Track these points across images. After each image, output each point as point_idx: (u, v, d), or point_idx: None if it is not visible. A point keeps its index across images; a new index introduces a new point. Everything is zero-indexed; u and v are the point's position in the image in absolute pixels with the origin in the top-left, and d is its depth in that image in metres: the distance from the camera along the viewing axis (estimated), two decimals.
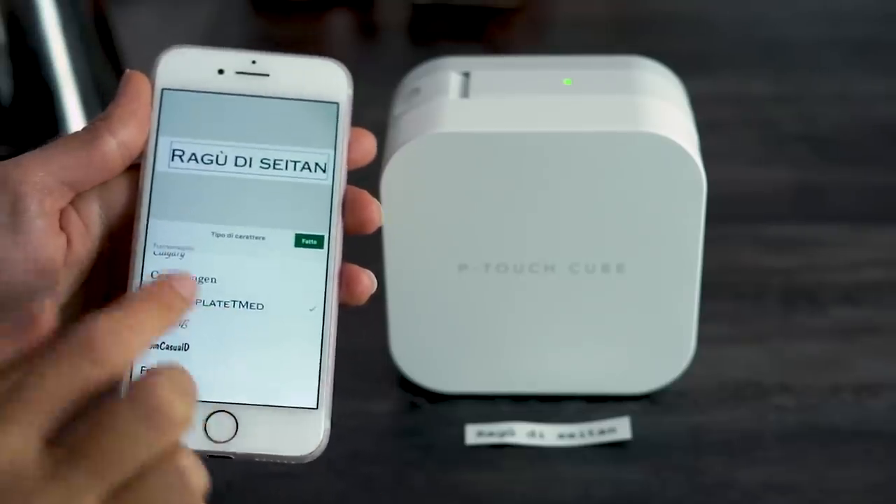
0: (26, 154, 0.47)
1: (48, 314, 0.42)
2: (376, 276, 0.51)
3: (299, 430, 0.47)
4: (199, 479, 0.39)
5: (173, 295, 0.43)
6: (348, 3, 1.05)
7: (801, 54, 0.97)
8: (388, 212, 0.59)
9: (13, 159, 0.47)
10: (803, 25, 1.02)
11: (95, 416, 0.38)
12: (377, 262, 0.60)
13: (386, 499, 0.60)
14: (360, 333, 0.58)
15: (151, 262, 0.48)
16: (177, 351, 0.47)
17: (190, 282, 0.43)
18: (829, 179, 0.82)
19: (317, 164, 0.50)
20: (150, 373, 0.39)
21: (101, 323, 0.40)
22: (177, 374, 0.39)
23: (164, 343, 0.47)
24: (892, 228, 0.77)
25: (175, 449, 0.39)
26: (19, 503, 0.37)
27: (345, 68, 0.52)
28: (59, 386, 0.38)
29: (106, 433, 0.38)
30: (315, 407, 0.47)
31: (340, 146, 0.51)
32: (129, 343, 0.40)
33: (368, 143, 0.53)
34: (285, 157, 0.50)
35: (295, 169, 0.50)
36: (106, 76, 0.81)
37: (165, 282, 0.43)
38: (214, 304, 0.48)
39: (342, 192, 0.50)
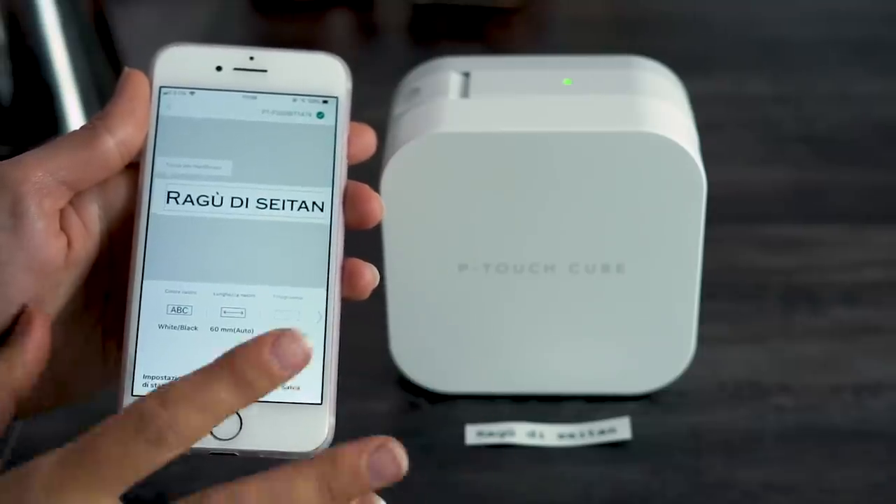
0: (24, 154, 0.47)
1: (45, 318, 0.42)
2: None
3: (304, 427, 0.47)
4: None
5: (258, 371, 0.40)
6: (348, 3, 1.05)
7: (800, 54, 0.97)
8: (388, 212, 0.59)
9: (11, 160, 0.47)
10: (803, 25, 1.02)
11: None
12: (377, 262, 0.60)
13: (386, 499, 0.59)
14: (360, 333, 0.58)
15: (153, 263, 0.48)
16: None
17: (293, 346, 0.41)
18: (829, 179, 0.82)
19: (317, 158, 0.50)
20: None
21: (160, 400, 0.39)
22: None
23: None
24: (891, 228, 0.77)
25: None
26: None
27: (343, 62, 0.52)
28: (125, 461, 0.39)
29: None
30: (319, 403, 0.47)
31: (340, 140, 0.51)
32: (192, 425, 0.39)
33: (368, 137, 0.53)
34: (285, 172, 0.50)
35: (295, 170, 0.50)
36: (106, 76, 0.81)
37: (253, 350, 0.40)
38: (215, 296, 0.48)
39: (343, 187, 0.50)
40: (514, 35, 1.02)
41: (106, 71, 0.82)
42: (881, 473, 0.60)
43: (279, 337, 0.40)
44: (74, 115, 0.79)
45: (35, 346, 0.45)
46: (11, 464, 0.42)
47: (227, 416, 0.40)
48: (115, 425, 0.39)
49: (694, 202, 0.59)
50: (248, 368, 0.40)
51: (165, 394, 0.39)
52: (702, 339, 0.64)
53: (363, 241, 0.53)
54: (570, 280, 0.61)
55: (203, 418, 0.39)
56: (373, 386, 0.65)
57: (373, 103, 0.63)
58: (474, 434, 0.62)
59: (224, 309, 0.48)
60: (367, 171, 0.54)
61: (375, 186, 0.57)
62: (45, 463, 0.39)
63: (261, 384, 0.40)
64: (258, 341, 0.40)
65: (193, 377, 0.40)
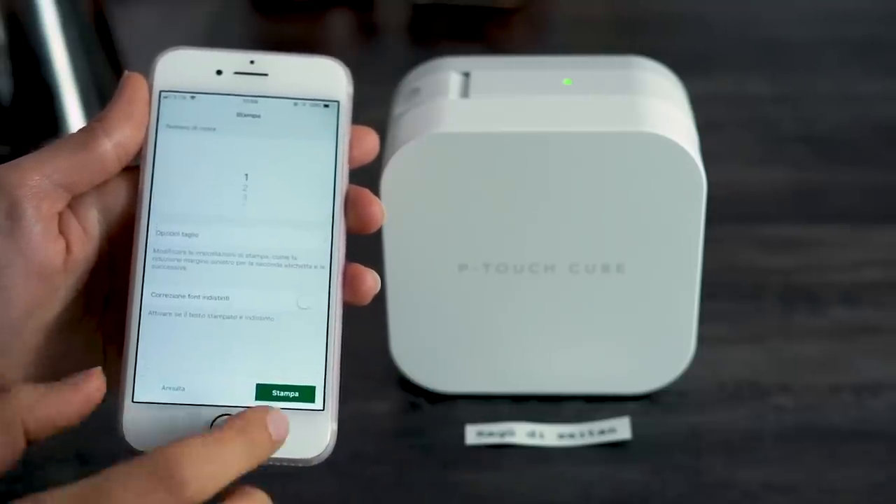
0: (21, 158, 0.47)
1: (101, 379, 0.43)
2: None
3: (306, 433, 0.46)
4: None
5: (262, 432, 0.44)
6: (348, 3, 1.05)
7: (800, 54, 0.97)
8: (388, 212, 0.59)
9: (8, 163, 0.47)
10: (802, 25, 1.02)
11: None
12: (377, 262, 0.60)
13: (386, 499, 0.60)
14: (360, 333, 0.58)
15: (152, 268, 0.48)
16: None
17: (284, 422, 0.45)
18: (829, 179, 0.82)
19: (318, 161, 0.50)
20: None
21: (184, 451, 0.41)
22: None
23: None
24: (891, 228, 0.77)
25: None
26: None
27: (344, 66, 0.52)
28: None
29: None
30: (322, 409, 0.47)
31: (341, 144, 0.51)
32: (209, 477, 0.41)
33: (371, 140, 0.52)
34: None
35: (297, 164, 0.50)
36: (106, 76, 0.81)
37: (259, 416, 0.44)
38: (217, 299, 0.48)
39: (344, 192, 0.50)
40: (514, 35, 1.02)
41: (106, 71, 0.82)
42: (881, 473, 0.60)
43: (269, 411, 0.45)
44: (74, 115, 0.79)
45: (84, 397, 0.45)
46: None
47: (238, 473, 0.43)
48: (128, 472, 0.40)
49: (694, 202, 0.59)
50: (254, 429, 0.44)
51: (180, 448, 0.41)
52: (702, 339, 0.64)
53: (363, 242, 0.53)
54: (570, 280, 0.61)
55: (218, 471, 0.42)
56: (373, 386, 0.65)
57: (373, 103, 0.63)
58: (474, 434, 0.62)
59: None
60: (367, 171, 0.54)
61: (375, 186, 0.57)
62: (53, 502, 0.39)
63: (263, 445, 0.44)
64: (258, 410, 0.45)
65: (206, 437, 0.42)
